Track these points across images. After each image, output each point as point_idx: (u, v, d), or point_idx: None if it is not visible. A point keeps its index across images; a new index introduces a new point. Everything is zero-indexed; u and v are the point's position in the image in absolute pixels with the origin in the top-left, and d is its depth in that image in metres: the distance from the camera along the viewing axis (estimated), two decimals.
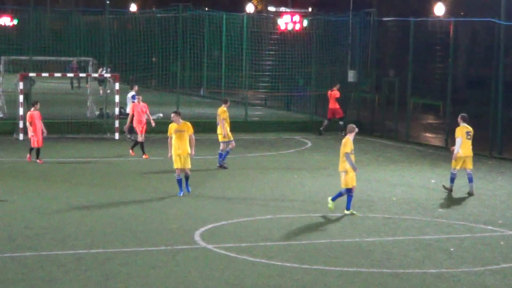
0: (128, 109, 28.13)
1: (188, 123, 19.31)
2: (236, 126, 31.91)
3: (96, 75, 34.86)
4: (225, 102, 23.65)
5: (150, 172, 22.77)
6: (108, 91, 33.15)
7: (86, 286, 11.85)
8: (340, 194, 17.11)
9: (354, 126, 17.47)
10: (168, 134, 19.12)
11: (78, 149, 26.58)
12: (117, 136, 29.30)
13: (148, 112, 26.04)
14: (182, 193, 18.78)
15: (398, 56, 35.53)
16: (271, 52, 41.70)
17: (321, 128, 32.14)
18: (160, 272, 12.67)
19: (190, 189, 18.91)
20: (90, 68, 35.37)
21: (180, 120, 19.22)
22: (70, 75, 36.63)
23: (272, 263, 13.23)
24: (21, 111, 28.78)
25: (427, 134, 32.28)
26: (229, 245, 14.34)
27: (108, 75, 32.97)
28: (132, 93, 30.23)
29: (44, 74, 34.48)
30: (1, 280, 12.07)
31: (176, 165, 18.67)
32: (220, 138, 23.10)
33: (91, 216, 16.66)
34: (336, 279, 12.53)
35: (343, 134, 30.49)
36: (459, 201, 19.37)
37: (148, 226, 15.81)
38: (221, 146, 23.25)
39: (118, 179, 21.28)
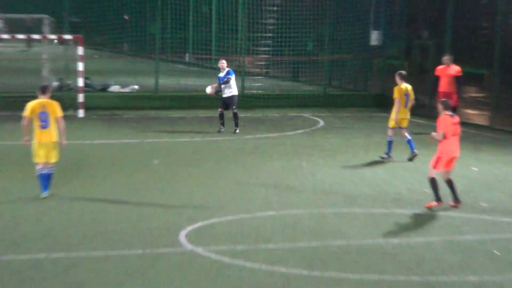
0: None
1: (55, 103, 17.77)
2: None
3: (54, 37, 34.82)
4: None
5: (124, 160, 23.10)
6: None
7: None
8: None
9: None
10: (26, 115, 17.50)
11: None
12: (81, 113, 29.40)
13: None
14: (47, 193, 17.65)
15: (435, 13, 35.58)
16: (275, 8, 41.71)
17: None
18: (137, 281, 12.78)
19: (47, 190, 17.70)
20: (46, 28, 35.38)
21: (46, 98, 17.74)
22: (21, 36, 36.58)
23: (275, 270, 13.34)
24: None
25: (469, 111, 32.39)
26: (222, 248, 14.47)
27: (68, 36, 32.96)
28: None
29: None
30: None
31: (38, 159, 17.61)
32: None
33: (51, 213, 16.77)
34: None
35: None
36: (507, 194, 19.55)
37: (121, 225, 15.91)
38: None
39: (83, 167, 21.39)
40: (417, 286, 12.89)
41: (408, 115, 23.24)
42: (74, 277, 12.87)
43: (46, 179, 17.68)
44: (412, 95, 23.24)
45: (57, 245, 14.50)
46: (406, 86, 23.19)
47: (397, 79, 23.33)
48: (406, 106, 23.11)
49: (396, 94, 23.07)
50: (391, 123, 23.10)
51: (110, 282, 12.73)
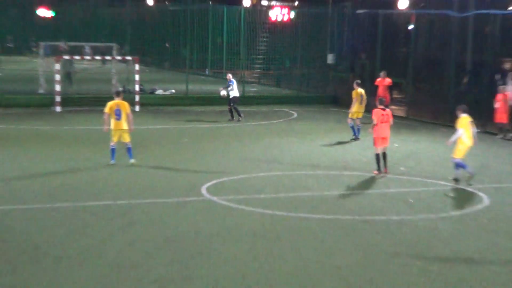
0: None
1: (125, 103, 17.55)
2: None
3: (119, 58, 34.72)
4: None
5: (165, 138, 22.87)
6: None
7: (113, 231, 11.98)
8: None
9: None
10: (106, 111, 17.39)
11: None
12: (137, 108, 29.33)
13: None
14: (114, 161, 17.53)
15: (369, 42, 35.41)
16: (264, 39, 41.73)
17: None
18: (174, 219, 12.80)
19: (132, 157, 17.73)
20: (114, 52, 35.31)
21: (120, 99, 17.53)
22: (98, 57, 36.52)
23: (265, 212, 13.34)
24: (57, 87, 28.87)
25: (392, 107, 32.13)
26: (229, 197, 14.44)
27: (129, 57, 32.95)
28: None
29: (76, 57, 34.59)
30: (43, 226, 12.22)
31: (114, 139, 17.48)
32: None
33: (117, 174, 16.75)
34: (316, 224, 12.68)
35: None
36: (417, 161, 19.53)
37: (163, 182, 15.92)
38: None
39: (139, 143, 20.98)
40: (358, 222, 12.87)
41: (362, 109, 23.13)
42: (132, 217, 12.88)
43: (115, 152, 17.67)
44: (365, 96, 23.21)
45: (121, 195, 14.49)
46: (361, 90, 23.14)
47: (355, 85, 23.35)
48: (361, 103, 23.03)
49: (354, 95, 23.05)
50: (351, 115, 23.01)
51: (155, 220, 12.72)
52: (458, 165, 16.31)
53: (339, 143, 22.55)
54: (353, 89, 23.55)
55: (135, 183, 15.71)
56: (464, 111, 16.47)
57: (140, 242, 11.36)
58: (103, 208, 13.45)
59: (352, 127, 22.96)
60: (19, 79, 36.27)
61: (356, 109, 22.97)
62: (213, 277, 9.76)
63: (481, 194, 15.43)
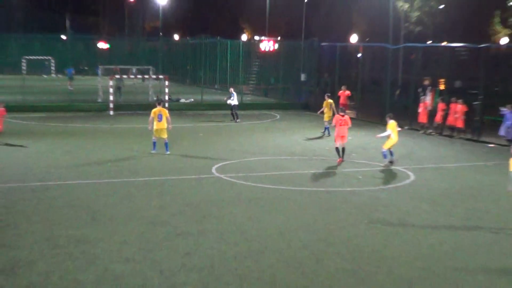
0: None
1: (165, 110, 17.38)
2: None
3: (154, 76, 34.37)
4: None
5: (186, 134, 22.52)
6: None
7: (149, 199, 11.83)
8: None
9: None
10: (152, 115, 16.96)
11: (144, 120, 26.18)
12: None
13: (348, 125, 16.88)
14: (155, 151, 17.06)
15: (330, 66, 35.21)
16: (256, 63, 41.46)
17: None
18: (193, 190, 12.63)
19: (168, 150, 17.11)
20: (150, 72, 34.96)
21: (161, 107, 17.24)
22: (139, 76, 36.27)
23: (257, 185, 13.19)
24: (111, 97, 28.60)
25: (347, 111, 31.92)
26: (232, 175, 14.26)
27: (161, 76, 32.63)
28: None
29: (124, 76, 34.28)
30: (97, 195, 12.06)
31: (155, 135, 17.09)
32: None
33: (152, 158, 16.51)
34: (293, 193, 12.54)
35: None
36: (364, 149, 19.37)
37: (185, 164, 15.69)
38: None
39: (168, 137, 20.87)
40: (322, 192, 12.76)
41: (330, 114, 22.49)
42: (162, 189, 12.70)
43: (155, 144, 17.38)
44: (333, 105, 22.72)
45: (155, 173, 14.31)
46: (330, 101, 22.70)
47: (326, 97, 22.90)
48: (330, 109, 22.53)
49: (324, 105, 22.59)
50: (325, 119, 22.48)
51: (179, 191, 12.53)
52: (384, 154, 16.23)
53: (310, 136, 22.30)
54: (321, 98, 23.17)
55: (165, 165, 15.51)
56: (391, 118, 16.63)
57: (169, 206, 11.22)
58: (142, 183, 13.28)
59: (328, 128, 22.34)
60: (85, 92, 35.99)
61: (327, 115, 22.59)
62: (220, 231, 9.64)
63: (409, 172, 15.33)
